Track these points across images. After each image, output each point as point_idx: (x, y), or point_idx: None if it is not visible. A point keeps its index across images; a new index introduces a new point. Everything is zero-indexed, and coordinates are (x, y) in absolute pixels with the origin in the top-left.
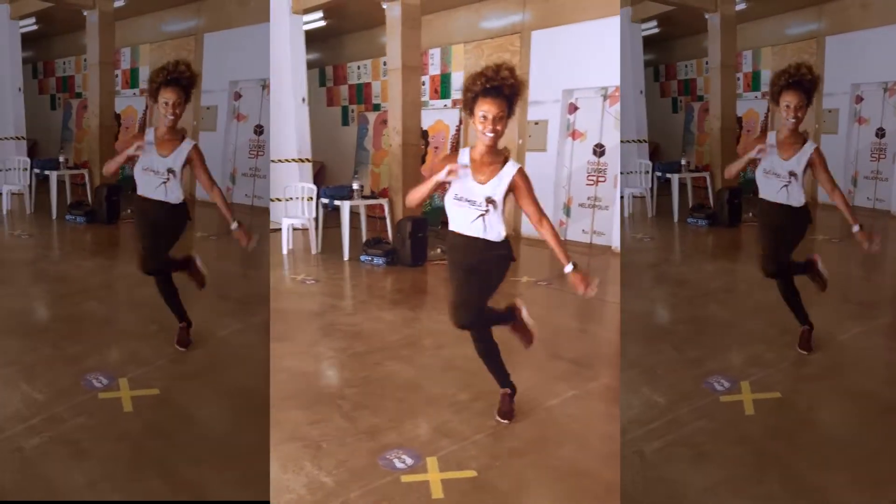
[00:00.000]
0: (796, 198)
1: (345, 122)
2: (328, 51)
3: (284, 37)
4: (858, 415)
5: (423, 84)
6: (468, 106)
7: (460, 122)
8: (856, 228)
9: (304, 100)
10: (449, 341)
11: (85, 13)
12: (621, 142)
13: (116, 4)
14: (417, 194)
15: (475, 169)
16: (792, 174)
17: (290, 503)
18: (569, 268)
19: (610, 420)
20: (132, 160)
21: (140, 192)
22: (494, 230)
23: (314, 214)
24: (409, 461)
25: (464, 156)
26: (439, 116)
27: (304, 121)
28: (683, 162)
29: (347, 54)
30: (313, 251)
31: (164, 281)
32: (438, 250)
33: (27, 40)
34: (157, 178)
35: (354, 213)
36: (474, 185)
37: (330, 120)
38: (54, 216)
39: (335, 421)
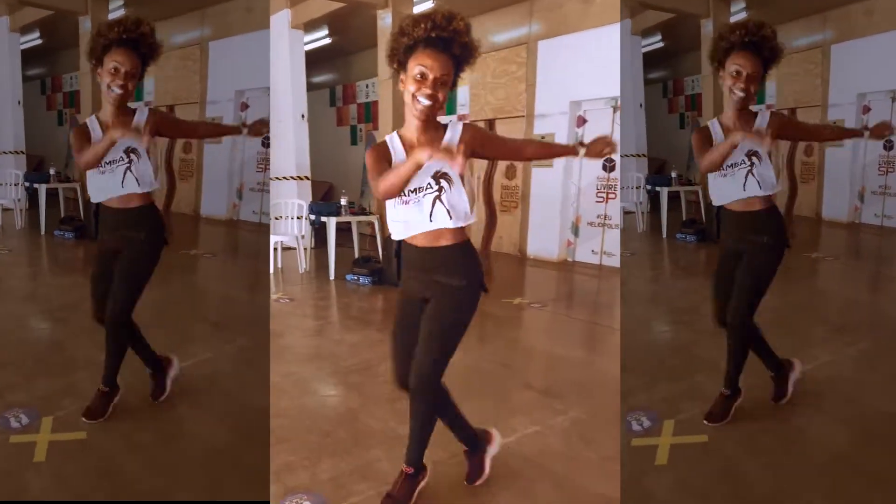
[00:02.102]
0: (768, 181)
1: (353, 142)
2: (338, 70)
3: (284, 52)
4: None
5: None
6: (396, 57)
7: None
8: (866, 134)
9: (303, 116)
10: None
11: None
12: (621, 156)
13: (114, 14)
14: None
15: (411, 151)
16: (752, 154)
17: None
18: (581, 151)
19: (569, 461)
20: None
21: (94, 197)
22: (459, 210)
23: (303, 232)
24: None
25: (394, 141)
26: None
27: (304, 138)
28: (674, 175)
29: (356, 73)
30: (300, 270)
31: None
32: None
33: (35, 56)
34: (118, 169)
35: (347, 231)
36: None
37: (339, 140)
38: (43, 231)
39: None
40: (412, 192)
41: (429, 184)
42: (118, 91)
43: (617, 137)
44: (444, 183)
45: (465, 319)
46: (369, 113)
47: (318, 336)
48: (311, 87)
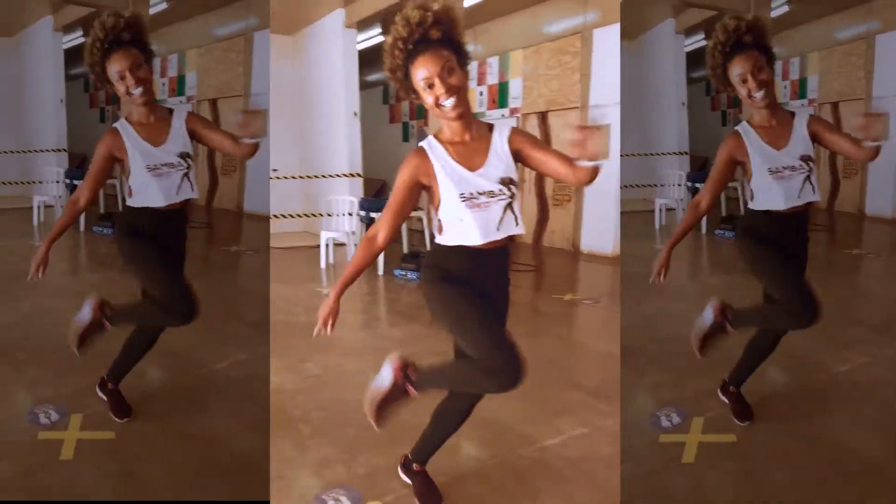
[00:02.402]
0: (816, 189)
1: (405, 139)
2: None
3: (337, 51)
4: (819, 474)
5: (482, 94)
6: (397, 76)
7: None
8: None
9: (355, 114)
10: None
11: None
12: (621, 156)
13: (156, 8)
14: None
15: (458, 153)
16: (807, 159)
17: None
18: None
19: (616, 468)
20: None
21: (153, 203)
22: (521, 219)
23: (353, 228)
24: (346, 503)
25: (434, 149)
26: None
27: (356, 135)
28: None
29: None
30: None
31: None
32: None
33: (78, 54)
34: (175, 173)
35: None
36: (472, 174)
37: (392, 137)
38: (82, 228)
39: (286, 451)
40: (481, 193)
41: (501, 190)
42: (138, 91)
43: (616, 137)
44: (514, 189)
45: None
46: (421, 110)
47: (363, 330)
48: (365, 84)
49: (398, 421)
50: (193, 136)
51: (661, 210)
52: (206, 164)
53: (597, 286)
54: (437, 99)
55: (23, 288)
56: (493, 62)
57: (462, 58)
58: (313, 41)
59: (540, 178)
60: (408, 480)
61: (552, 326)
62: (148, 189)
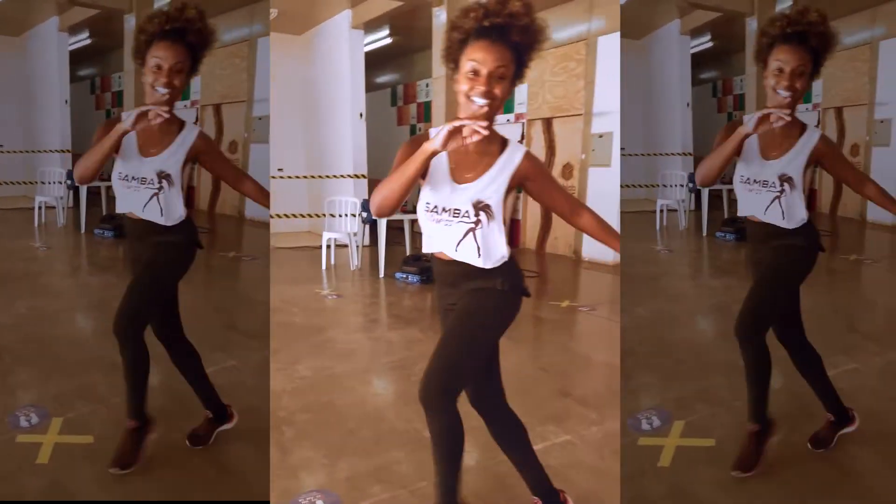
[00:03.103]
0: (794, 214)
1: None
2: (400, 70)
3: (344, 52)
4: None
5: None
6: (452, 56)
7: (522, 136)
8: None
9: (361, 115)
10: None
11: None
12: (666, 154)
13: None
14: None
15: (457, 161)
16: (785, 180)
17: None
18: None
19: (598, 476)
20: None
21: (120, 208)
22: (492, 251)
23: (356, 230)
24: None
25: (437, 142)
26: (501, 132)
27: (361, 136)
28: None
29: (417, 72)
30: (352, 267)
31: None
32: None
33: (84, 56)
34: (144, 190)
35: (402, 229)
36: (454, 186)
37: (399, 139)
38: (83, 230)
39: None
40: (445, 210)
41: (467, 211)
42: (163, 90)
43: (616, 141)
44: (482, 216)
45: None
46: (428, 112)
47: (359, 333)
48: (374, 87)
49: (384, 426)
50: (197, 157)
51: (662, 211)
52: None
53: (595, 294)
54: (471, 90)
55: (20, 289)
56: None
57: (519, 70)
58: (320, 41)
59: None
60: None
61: (547, 333)
62: (118, 194)
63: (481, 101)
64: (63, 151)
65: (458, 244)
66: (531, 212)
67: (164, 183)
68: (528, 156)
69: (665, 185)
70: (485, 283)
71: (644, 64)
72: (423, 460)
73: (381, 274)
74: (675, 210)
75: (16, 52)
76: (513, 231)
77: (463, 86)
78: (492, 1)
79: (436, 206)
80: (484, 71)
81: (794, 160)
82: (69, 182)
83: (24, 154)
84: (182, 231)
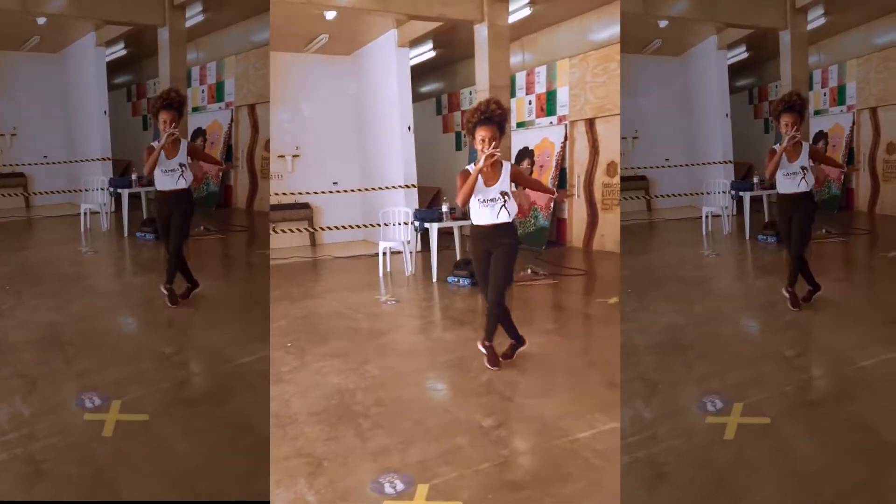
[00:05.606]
0: (809, 183)
1: (458, 147)
2: (444, 79)
3: (391, 69)
4: (844, 450)
5: (530, 104)
6: (470, 131)
7: (565, 138)
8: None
9: (409, 128)
10: None
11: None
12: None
13: (192, 21)
14: (463, 194)
15: (484, 176)
16: (804, 168)
17: None
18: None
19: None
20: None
21: (160, 188)
22: (512, 212)
23: (409, 238)
24: (400, 486)
25: (480, 164)
26: (545, 134)
27: (410, 148)
28: (756, 180)
29: (460, 81)
30: (406, 273)
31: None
32: (528, 270)
33: (121, 65)
34: (174, 174)
35: (451, 234)
36: (488, 189)
37: (446, 146)
38: (126, 234)
39: (348, 440)
40: (489, 200)
41: (497, 197)
42: (172, 131)
43: (616, 145)
44: (506, 198)
45: (513, 260)
46: None
47: (418, 334)
48: (419, 96)
49: (447, 416)
50: (192, 156)
51: (707, 217)
52: (246, 169)
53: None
54: (483, 147)
55: (74, 291)
56: (541, 71)
57: (501, 133)
58: (368, 61)
59: (589, 184)
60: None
61: (595, 328)
62: (158, 179)
63: (487, 151)
64: (104, 159)
65: (498, 213)
66: (577, 211)
67: (183, 168)
68: (512, 166)
69: (709, 193)
70: (504, 240)
71: (684, 79)
72: (482, 446)
73: (434, 278)
74: (719, 216)
75: (55, 69)
76: (560, 230)
77: (478, 145)
78: (482, 105)
79: (483, 199)
80: (487, 138)
81: (805, 158)
82: (111, 189)
83: (67, 164)
84: (190, 196)
